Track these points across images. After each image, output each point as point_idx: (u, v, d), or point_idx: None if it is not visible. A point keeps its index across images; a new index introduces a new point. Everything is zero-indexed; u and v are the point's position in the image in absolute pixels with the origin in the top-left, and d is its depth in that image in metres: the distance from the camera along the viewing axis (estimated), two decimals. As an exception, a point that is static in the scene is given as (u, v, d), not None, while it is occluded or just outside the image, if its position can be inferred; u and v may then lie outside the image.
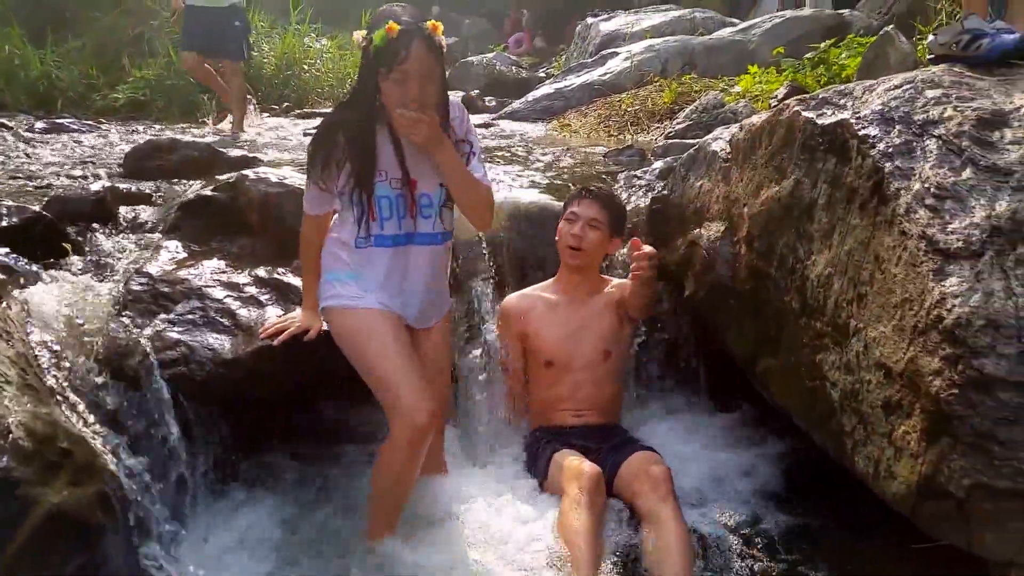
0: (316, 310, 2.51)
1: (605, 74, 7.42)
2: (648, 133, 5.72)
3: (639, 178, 3.90)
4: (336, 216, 2.47)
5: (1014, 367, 1.61)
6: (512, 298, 3.03)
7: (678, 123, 5.14)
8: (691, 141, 4.41)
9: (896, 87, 2.25)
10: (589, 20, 10.96)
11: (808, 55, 5.51)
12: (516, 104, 7.63)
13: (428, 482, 2.51)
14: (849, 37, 5.69)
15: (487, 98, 9.12)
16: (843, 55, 5.35)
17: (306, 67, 9.63)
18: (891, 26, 4.53)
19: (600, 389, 2.87)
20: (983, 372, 1.63)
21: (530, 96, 7.71)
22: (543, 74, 12.60)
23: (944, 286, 1.74)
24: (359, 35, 2.27)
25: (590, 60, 8.26)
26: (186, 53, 6.83)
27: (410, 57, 2.18)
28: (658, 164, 3.97)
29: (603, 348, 2.89)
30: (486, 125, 6.89)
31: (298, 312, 2.61)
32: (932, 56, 2.46)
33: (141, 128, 7.11)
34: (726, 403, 3.16)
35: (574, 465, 2.51)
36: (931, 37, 2.50)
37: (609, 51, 8.25)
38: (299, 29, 10.13)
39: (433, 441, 2.41)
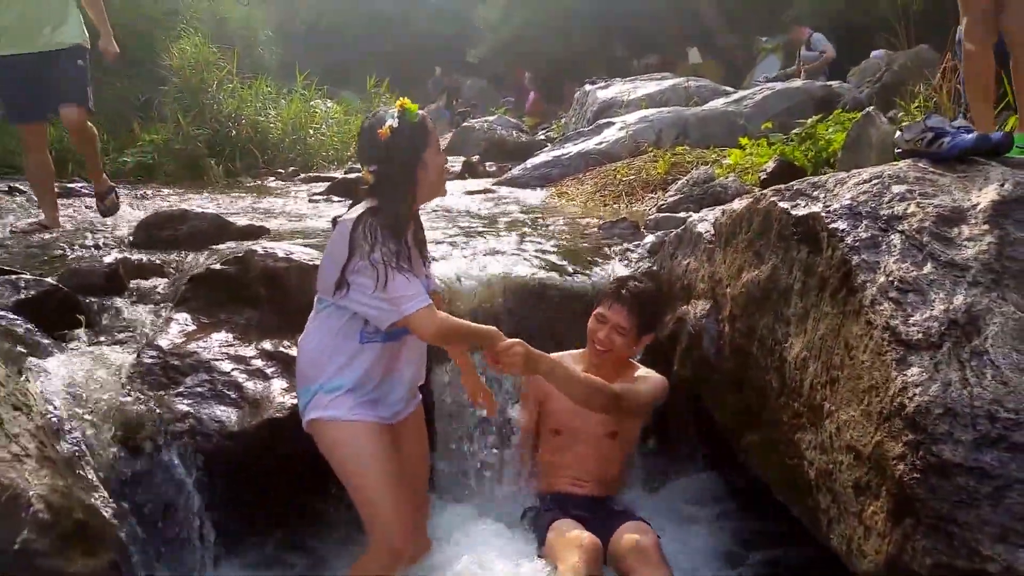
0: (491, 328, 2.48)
1: (601, 143, 7.66)
2: (642, 203, 5.91)
3: (631, 251, 4.05)
4: (325, 311, 2.44)
5: (970, 453, 1.73)
6: (561, 356, 2.99)
7: (670, 196, 5.33)
8: (682, 215, 4.60)
9: (865, 181, 2.41)
10: (587, 88, 11.30)
11: (796, 131, 5.72)
12: (515, 171, 7.86)
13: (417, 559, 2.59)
14: (836, 113, 5.91)
15: (487, 163, 9.36)
16: (830, 130, 5.56)
17: (312, 131, 9.88)
18: (872, 107, 4.74)
19: (602, 465, 2.97)
20: (941, 458, 1.74)
21: (529, 163, 7.95)
22: (543, 137, 12.93)
23: (906, 375, 1.87)
24: (386, 128, 2.30)
25: (587, 129, 8.53)
26: (23, 128, 4.90)
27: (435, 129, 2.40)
28: (649, 238, 4.13)
29: (611, 428, 2.94)
30: (486, 191, 7.10)
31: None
32: (899, 151, 2.63)
33: (150, 192, 7.31)
34: (722, 472, 3.26)
35: (573, 536, 2.59)
36: (898, 133, 2.68)
37: (605, 120, 8.51)
38: (305, 94, 10.41)
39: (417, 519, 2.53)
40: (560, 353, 3.02)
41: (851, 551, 2.02)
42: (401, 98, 2.38)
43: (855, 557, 2.01)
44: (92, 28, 4.93)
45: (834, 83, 8.54)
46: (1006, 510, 1.68)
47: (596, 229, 4.74)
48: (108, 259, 3.71)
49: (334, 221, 2.48)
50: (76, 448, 2.48)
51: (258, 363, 2.92)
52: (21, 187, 6.90)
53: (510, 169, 8.18)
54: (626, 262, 3.94)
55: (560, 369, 2.56)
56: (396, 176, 2.33)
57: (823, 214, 2.32)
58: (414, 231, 2.44)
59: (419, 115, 2.34)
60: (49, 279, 3.36)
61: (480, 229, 4.74)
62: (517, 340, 2.42)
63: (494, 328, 2.46)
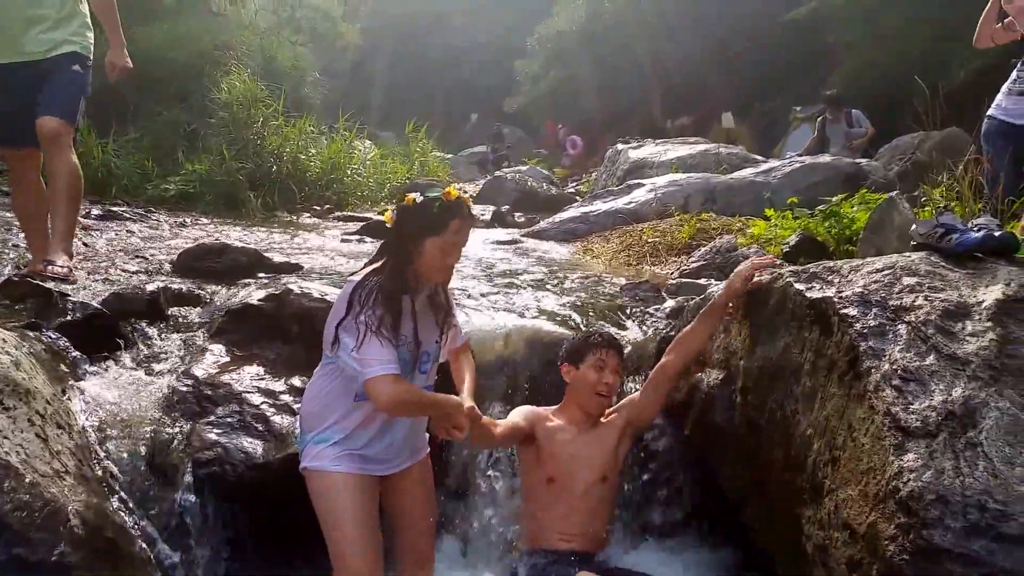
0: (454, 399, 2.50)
1: (630, 203, 7.81)
2: (665, 265, 6.03)
3: (651, 315, 4.17)
4: (329, 365, 2.48)
5: (959, 540, 1.81)
6: (539, 410, 3.12)
7: (693, 261, 5.45)
8: (703, 282, 4.72)
9: (878, 271, 2.52)
10: (619, 147, 11.52)
11: (820, 207, 5.84)
12: (544, 223, 8.02)
13: None
14: (861, 192, 6.02)
15: (516, 213, 9.54)
16: (854, 208, 5.67)
17: (349, 171, 10.13)
18: (896, 192, 4.85)
19: (593, 517, 2.98)
20: (931, 542, 1.83)
21: (557, 217, 8.11)
22: (572, 190, 13.17)
23: (902, 461, 1.96)
24: (412, 196, 2.37)
25: (616, 188, 8.69)
26: (8, 153, 4.19)
27: (464, 226, 2.39)
28: (670, 303, 4.24)
29: (603, 472, 3.01)
30: (513, 242, 7.27)
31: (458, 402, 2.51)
32: (914, 243, 2.75)
33: (189, 220, 7.55)
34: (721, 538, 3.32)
35: None
36: (913, 226, 2.79)
37: (635, 180, 8.68)
38: (346, 134, 10.70)
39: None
40: (544, 409, 3.15)
41: (842, 627, 2.10)
42: (451, 186, 2.40)
43: (846, 633, 2.08)
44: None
45: (863, 161, 8.66)
46: (991, 598, 1.75)
47: (618, 289, 4.86)
48: (150, 287, 3.88)
49: None
50: (109, 468, 2.62)
51: (286, 398, 3.05)
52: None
53: (538, 221, 8.35)
54: (644, 325, 4.05)
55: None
56: (397, 245, 2.40)
57: (835, 299, 2.44)
58: (430, 296, 2.51)
59: (445, 205, 2.34)
60: (94, 302, 3.53)
61: (505, 282, 4.88)
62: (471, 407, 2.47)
63: (457, 400, 2.48)
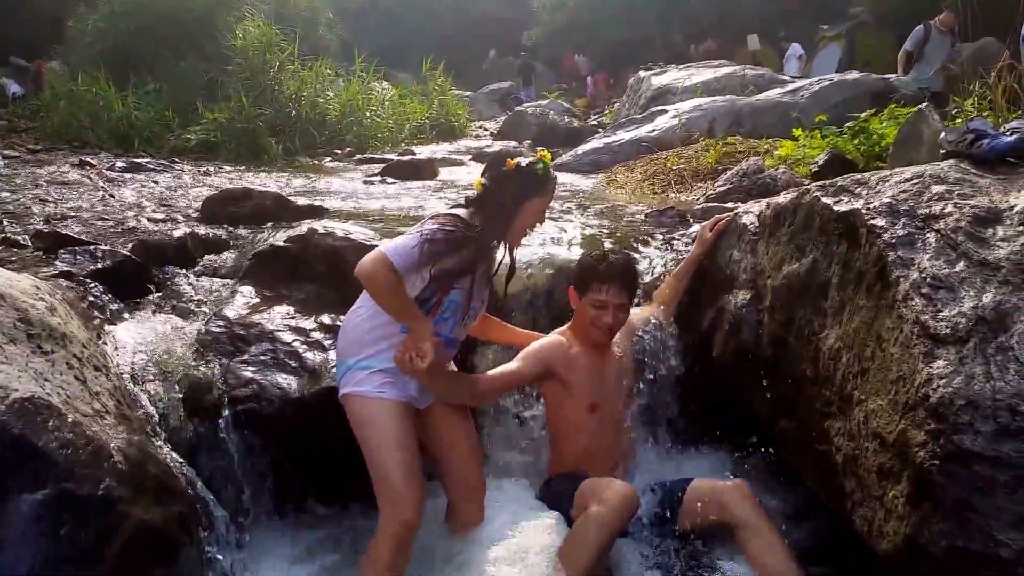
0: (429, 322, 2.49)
1: (653, 130, 7.70)
2: (691, 192, 5.96)
3: (676, 240, 4.13)
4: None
5: (989, 444, 1.81)
6: (559, 340, 2.98)
7: (719, 186, 5.37)
8: (730, 206, 4.65)
9: (907, 180, 2.47)
10: (642, 74, 11.30)
11: (849, 123, 5.71)
12: (566, 156, 7.94)
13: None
14: (890, 107, 5.88)
15: (538, 148, 9.45)
16: (883, 124, 5.54)
17: (368, 113, 10.07)
18: (926, 103, 4.72)
19: (629, 434, 3.01)
20: (961, 447, 1.83)
21: (580, 149, 8.02)
22: (595, 122, 12.98)
23: (932, 368, 1.95)
24: (514, 161, 2.52)
25: (639, 116, 8.56)
26: None
27: (555, 188, 2.58)
28: (695, 228, 4.19)
29: (626, 394, 3.01)
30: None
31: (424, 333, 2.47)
32: (943, 152, 2.68)
33: (212, 169, 7.58)
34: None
35: (606, 481, 2.58)
36: (943, 134, 2.72)
37: (658, 108, 8.54)
38: (363, 76, 10.61)
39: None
40: (552, 335, 3.02)
41: (872, 532, 2.12)
42: (542, 150, 2.60)
43: (875, 538, 2.10)
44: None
45: (892, 76, 8.43)
46: (1022, 498, 1.76)
47: (643, 217, 4.82)
48: (177, 233, 3.94)
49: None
50: (147, 409, 2.68)
51: (317, 335, 3.09)
52: (92, 161, 7.23)
53: (561, 154, 8.27)
54: (669, 250, 4.02)
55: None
56: (495, 204, 2.51)
57: (863, 211, 2.40)
58: (486, 269, 2.59)
59: (546, 171, 2.52)
60: (123, 250, 3.58)
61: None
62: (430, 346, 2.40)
63: (429, 324, 2.45)
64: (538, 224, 2.61)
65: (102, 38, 10.58)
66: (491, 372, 2.84)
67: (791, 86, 8.46)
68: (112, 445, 2.20)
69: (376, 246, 3.43)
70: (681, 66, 11.57)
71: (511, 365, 2.86)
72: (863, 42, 14.75)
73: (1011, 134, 2.52)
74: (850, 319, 2.37)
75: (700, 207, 4.89)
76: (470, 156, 9.30)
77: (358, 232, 3.60)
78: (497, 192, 2.51)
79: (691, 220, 4.60)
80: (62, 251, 3.47)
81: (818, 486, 2.55)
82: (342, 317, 3.20)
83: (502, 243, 2.64)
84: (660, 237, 4.21)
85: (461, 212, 2.53)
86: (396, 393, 2.49)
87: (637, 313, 3.22)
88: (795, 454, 2.71)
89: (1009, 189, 2.34)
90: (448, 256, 2.42)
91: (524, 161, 2.52)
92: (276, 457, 2.78)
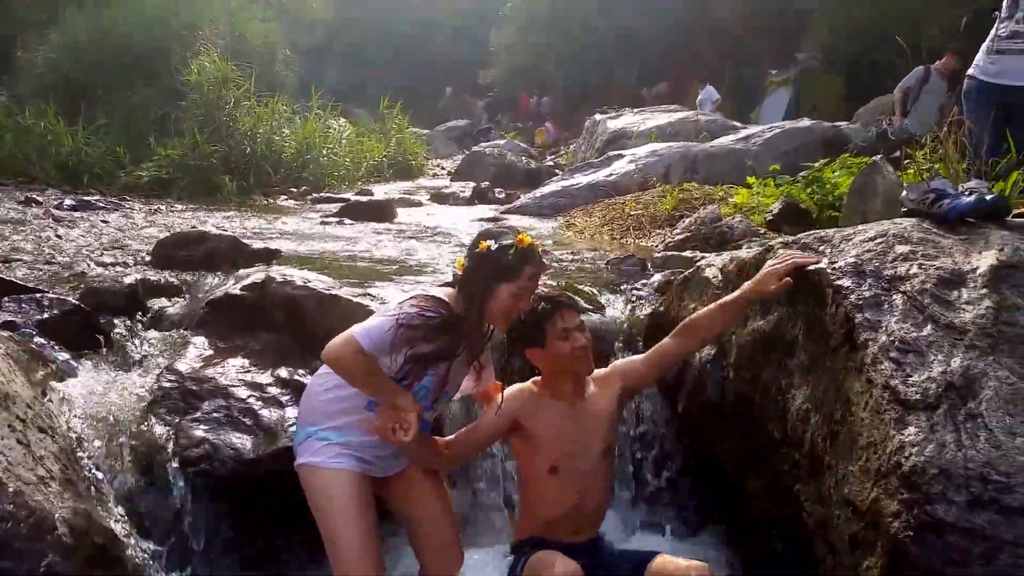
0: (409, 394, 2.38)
1: (611, 175, 7.77)
2: (649, 238, 6.00)
3: (639, 290, 4.13)
4: None
5: (962, 514, 1.80)
6: (525, 388, 2.74)
7: (677, 233, 5.42)
8: (688, 254, 4.70)
9: (870, 239, 2.49)
10: (597, 117, 11.44)
11: (803, 172, 5.82)
12: (525, 199, 7.97)
13: None
14: (843, 157, 6.01)
15: (496, 189, 9.46)
16: (836, 174, 5.66)
17: (325, 151, 9.99)
18: (880, 156, 4.83)
19: (600, 498, 2.70)
20: (935, 517, 1.81)
21: (538, 192, 8.06)
22: (551, 162, 13.08)
23: (903, 435, 1.94)
24: (486, 244, 2.39)
25: (596, 160, 8.65)
26: None
27: (536, 273, 2.42)
28: (656, 277, 4.22)
29: (604, 445, 2.69)
30: (494, 219, 7.19)
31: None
32: (904, 209, 2.72)
33: (163, 207, 7.42)
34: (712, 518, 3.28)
35: (547, 561, 2.40)
36: (904, 192, 2.76)
37: (615, 152, 8.63)
38: (320, 113, 10.54)
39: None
40: (519, 384, 2.76)
41: (846, 603, 2.09)
42: (522, 233, 2.45)
43: (850, 608, 2.07)
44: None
45: (842, 124, 8.65)
46: (996, 571, 1.74)
47: (604, 264, 4.82)
48: (128, 279, 3.81)
49: None
50: (95, 470, 2.56)
51: (273, 391, 2.99)
52: (39, 198, 7.02)
53: (519, 196, 8.29)
54: (633, 300, 4.02)
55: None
56: (471, 286, 2.42)
57: (828, 270, 2.40)
58: (470, 348, 2.46)
59: (519, 252, 2.39)
60: (71, 298, 3.45)
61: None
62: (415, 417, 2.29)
63: (409, 395, 2.35)
64: (524, 306, 2.46)
65: (52, 70, 10.33)
66: (461, 432, 2.73)
67: (743, 132, 8.63)
68: (56, 515, 2.08)
69: (336, 295, 3.42)
70: (636, 110, 11.75)
71: (480, 421, 2.75)
72: (811, 87, 15.14)
73: (970, 194, 2.56)
74: (818, 380, 2.37)
75: (660, 255, 4.92)
76: (428, 196, 9.28)
77: (317, 280, 3.52)
78: (471, 274, 2.43)
79: (651, 268, 4.62)
80: (6, 299, 3.32)
81: (790, 549, 2.52)
82: (300, 371, 3.13)
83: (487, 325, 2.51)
84: (623, 287, 4.21)
85: (444, 294, 2.44)
86: (353, 464, 2.39)
87: (630, 361, 2.88)
88: (764, 514, 2.68)
89: (971, 250, 2.37)
90: (424, 342, 2.33)
91: (495, 245, 2.39)
92: (230, 522, 2.66)
